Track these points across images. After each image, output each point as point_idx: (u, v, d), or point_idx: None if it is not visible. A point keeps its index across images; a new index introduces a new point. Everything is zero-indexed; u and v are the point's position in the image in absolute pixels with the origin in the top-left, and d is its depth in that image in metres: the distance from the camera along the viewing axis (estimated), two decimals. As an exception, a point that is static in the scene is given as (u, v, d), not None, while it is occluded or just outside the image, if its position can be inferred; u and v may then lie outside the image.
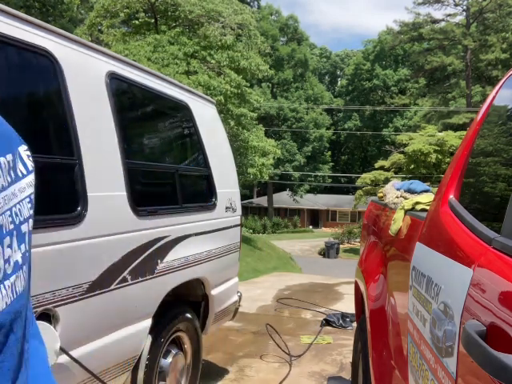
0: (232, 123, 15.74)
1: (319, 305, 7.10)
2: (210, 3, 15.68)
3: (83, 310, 2.16)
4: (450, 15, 34.03)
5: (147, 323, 2.70)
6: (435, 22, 33.99)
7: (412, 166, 22.13)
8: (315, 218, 46.82)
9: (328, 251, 24.85)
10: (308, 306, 6.99)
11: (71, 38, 2.37)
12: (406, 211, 2.15)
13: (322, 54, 61.82)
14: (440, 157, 21.39)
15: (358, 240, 27.51)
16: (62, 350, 1.89)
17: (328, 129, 48.96)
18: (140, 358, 2.72)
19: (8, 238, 0.62)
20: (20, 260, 0.64)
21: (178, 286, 2.98)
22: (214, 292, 3.50)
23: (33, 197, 0.71)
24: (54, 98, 2.23)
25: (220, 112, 4.30)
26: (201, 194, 3.69)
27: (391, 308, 2.06)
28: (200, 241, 3.29)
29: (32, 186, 0.71)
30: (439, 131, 24.54)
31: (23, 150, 0.71)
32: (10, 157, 0.65)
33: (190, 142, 3.74)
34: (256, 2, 45.12)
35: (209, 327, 3.56)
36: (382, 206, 2.74)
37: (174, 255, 2.93)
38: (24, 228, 0.67)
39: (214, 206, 3.60)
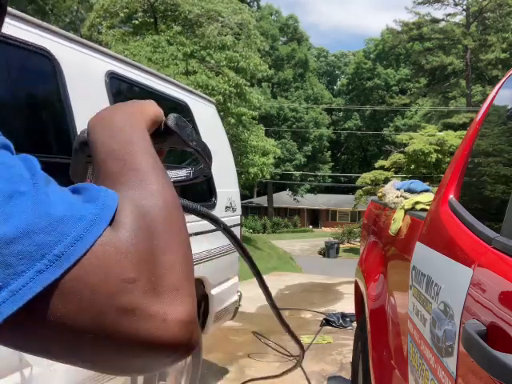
0: (232, 120, 15.74)
1: (319, 305, 7.10)
2: (210, 3, 15.68)
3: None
4: (449, 15, 34.07)
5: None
6: (435, 21, 34.01)
7: (412, 166, 22.13)
8: (315, 218, 46.83)
9: (328, 251, 24.84)
10: (307, 304, 6.99)
11: (71, 37, 2.37)
12: (406, 211, 2.15)
13: (320, 55, 61.84)
14: (440, 157, 21.38)
15: (358, 240, 27.51)
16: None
17: (328, 128, 48.98)
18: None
19: None
20: None
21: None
22: (213, 292, 3.50)
23: None
24: (54, 97, 2.23)
25: (220, 111, 4.30)
26: (200, 194, 3.69)
27: (391, 308, 2.06)
28: (199, 240, 3.29)
29: None
30: (439, 131, 24.54)
31: None
32: None
33: (190, 142, 3.74)
34: (256, 2, 45.11)
35: (209, 327, 3.56)
36: (382, 206, 2.74)
37: (174, 255, 2.93)
38: None
39: (214, 205, 3.59)
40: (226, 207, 3.79)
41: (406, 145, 23.04)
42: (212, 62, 14.98)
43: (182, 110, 3.48)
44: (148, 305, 0.39)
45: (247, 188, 40.99)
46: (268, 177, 20.47)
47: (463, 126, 27.43)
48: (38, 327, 0.38)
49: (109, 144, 0.52)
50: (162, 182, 0.49)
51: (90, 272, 0.38)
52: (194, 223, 3.24)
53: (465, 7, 33.89)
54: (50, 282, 0.37)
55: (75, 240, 0.38)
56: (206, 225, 3.75)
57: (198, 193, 3.72)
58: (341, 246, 27.07)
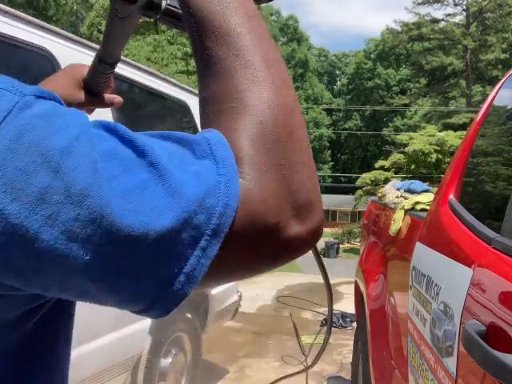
0: None
1: (319, 304, 7.10)
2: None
3: (83, 309, 2.16)
4: (449, 15, 34.10)
5: (147, 323, 2.69)
6: (435, 21, 34.03)
7: (412, 166, 22.12)
8: (315, 218, 46.75)
9: (328, 251, 24.80)
10: (307, 304, 6.99)
11: (70, 37, 2.38)
12: (406, 211, 2.15)
13: (321, 54, 61.89)
14: (440, 157, 21.38)
15: (358, 240, 27.49)
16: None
17: (328, 128, 49.02)
18: (140, 357, 2.72)
19: None
20: None
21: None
22: (213, 292, 3.50)
23: None
24: (54, 97, 2.23)
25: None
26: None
27: (391, 308, 2.06)
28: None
29: None
30: (439, 131, 24.54)
31: None
32: None
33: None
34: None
35: (209, 327, 3.56)
36: (382, 206, 2.74)
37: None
38: None
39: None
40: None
41: (405, 145, 23.02)
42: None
43: (182, 109, 3.49)
44: (294, 232, 0.42)
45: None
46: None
47: (463, 126, 27.42)
48: (204, 286, 0.43)
49: (219, 23, 0.45)
50: (280, 76, 0.45)
51: (240, 232, 0.40)
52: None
53: (465, 7, 33.91)
54: (214, 254, 0.39)
55: (223, 209, 0.39)
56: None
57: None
58: (341, 246, 27.01)
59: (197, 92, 0.51)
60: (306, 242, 0.45)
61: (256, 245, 0.41)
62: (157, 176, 0.38)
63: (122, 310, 0.42)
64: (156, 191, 0.37)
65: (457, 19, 34.30)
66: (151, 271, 0.38)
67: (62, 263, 0.35)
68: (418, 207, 2.15)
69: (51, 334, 0.49)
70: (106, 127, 0.40)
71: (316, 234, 0.45)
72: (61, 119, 0.37)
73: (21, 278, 0.37)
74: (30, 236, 0.34)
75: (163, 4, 0.62)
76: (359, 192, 25.21)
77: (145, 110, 3.27)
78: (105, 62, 0.78)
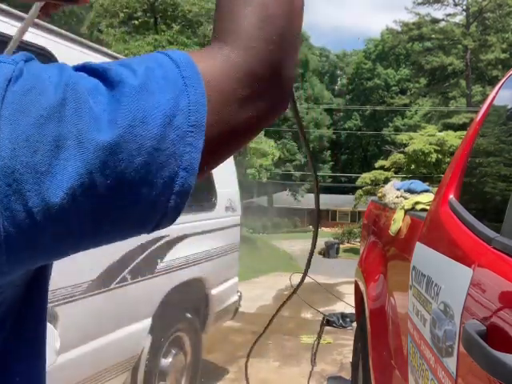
0: None
1: (319, 305, 7.10)
2: (209, 2, 15.70)
3: (83, 309, 2.16)
4: (449, 15, 34.10)
5: (147, 323, 2.69)
6: (435, 21, 34.03)
7: (412, 166, 22.11)
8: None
9: (328, 251, 24.82)
10: (310, 303, 6.98)
11: (70, 37, 2.37)
12: (406, 211, 2.15)
13: (322, 54, 61.89)
14: (440, 157, 21.37)
15: (358, 240, 27.47)
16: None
17: (328, 128, 49.03)
18: (140, 357, 2.72)
19: None
20: None
21: (177, 285, 2.98)
22: (213, 292, 3.50)
23: None
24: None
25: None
26: (200, 194, 3.69)
27: (391, 308, 2.06)
28: (199, 240, 3.29)
29: None
30: (439, 131, 24.54)
31: None
32: None
33: (190, 142, 3.74)
34: (256, 2, 45.05)
35: (209, 327, 3.56)
36: (382, 206, 2.74)
37: (174, 255, 2.93)
38: None
39: (214, 205, 3.59)
40: (226, 207, 3.79)
41: (405, 145, 23.02)
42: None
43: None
44: (264, 103, 0.49)
45: (247, 188, 40.97)
46: (265, 179, 20.48)
47: (463, 126, 27.40)
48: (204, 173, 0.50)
49: None
50: None
51: (216, 117, 0.45)
52: (193, 223, 3.25)
53: (465, 7, 33.90)
54: (201, 145, 0.44)
55: (195, 106, 0.44)
56: (205, 225, 3.74)
57: (197, 193, 3.72)
58: (341, 246, 27.02)
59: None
60: (272, 113, 0.51)
61: (232, 119, 0.46)
62: (135, 92, 0.42)
63: (140, 231, 0.46)
64: (139, 105, 0.42)
65: (457, 19, 34.31)
66: (158, 175, 0.43)
67: (90, 195, 0.40)
68: (418, 207, 2.15)
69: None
70: (79, 67, 0.44)
71: (282, 108, 0.52)
72: (47, 73, 0.41)
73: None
74: (58, 179, 0.38)
75: None
76: (359, 192, 25.20)
77: None
78: None
